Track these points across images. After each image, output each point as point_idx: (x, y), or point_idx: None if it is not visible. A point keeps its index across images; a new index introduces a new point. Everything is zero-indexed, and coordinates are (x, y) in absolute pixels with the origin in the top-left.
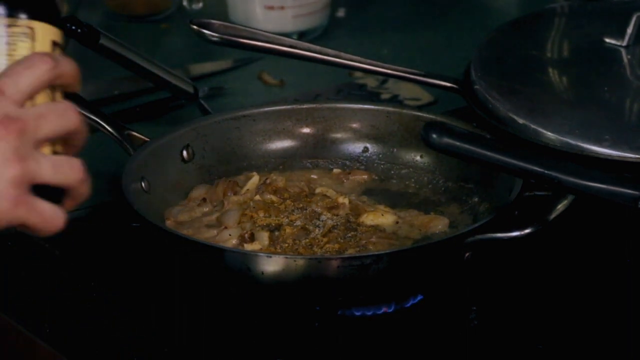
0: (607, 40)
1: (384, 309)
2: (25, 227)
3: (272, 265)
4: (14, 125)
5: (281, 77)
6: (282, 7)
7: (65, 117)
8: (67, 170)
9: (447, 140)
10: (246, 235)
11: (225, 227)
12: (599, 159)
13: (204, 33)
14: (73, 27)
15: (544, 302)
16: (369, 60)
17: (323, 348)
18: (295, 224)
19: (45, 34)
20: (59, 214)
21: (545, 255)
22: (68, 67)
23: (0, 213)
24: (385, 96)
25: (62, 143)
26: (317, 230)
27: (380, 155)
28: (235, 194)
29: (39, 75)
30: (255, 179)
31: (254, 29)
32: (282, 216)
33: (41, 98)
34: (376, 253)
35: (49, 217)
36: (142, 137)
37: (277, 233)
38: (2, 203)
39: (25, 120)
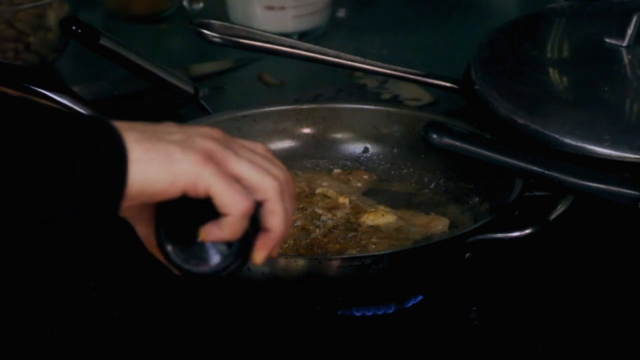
0: (608, 40)
1: (384, 309)
2: (212, 196)
3: (272, 265)
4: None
5: (281, 78)
6: (282, 8)
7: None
8: (269, 166)
9: (447, 140)
10: None
11: None
12: (599, 159)
13: (204, 33)
14: (73, 27)
15: (544, 302)
16: (369, 61)
17: (323, 348)
18: (295, 224)
19: None
20: (248, 196)
21: (545, 256)
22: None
23: (187, 163)
24: (385, 96)
25: None
26: (317, 230)
27: (381, 156)
28: None
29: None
30: None
31: (254, 29)
32: None
33: None
34: (376, 253)
35: (237, 191)
36: None
37: None
38: (192, 155)
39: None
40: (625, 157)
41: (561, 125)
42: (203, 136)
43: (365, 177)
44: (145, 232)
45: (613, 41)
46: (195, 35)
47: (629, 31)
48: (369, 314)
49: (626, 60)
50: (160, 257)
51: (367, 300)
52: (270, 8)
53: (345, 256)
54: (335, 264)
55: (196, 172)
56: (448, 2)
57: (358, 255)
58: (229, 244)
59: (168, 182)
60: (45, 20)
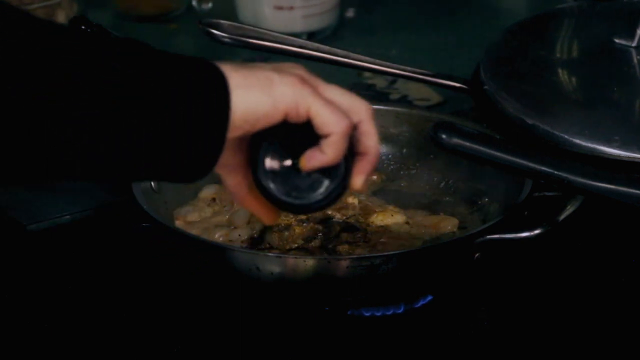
0: (617, 40)
1: (393, 310)
2: (312, 117)
3: (281, 265)
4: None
5: None
6: (291, 8)
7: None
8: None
9: (456, 140)
10: (256, 236)
11: (235, 227)
12: (608, 159)
13: (213, 33)
14: (82, 27)
15: (553, 303)
16: (377, 61)
17: (332, 348)
18: (304, 224)
19: None
20: (346, 115)
21: (554, 256)
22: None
23: (286, 85)
24: (394, 96)
25: None
26: (326, 230)
27: (390, 156)
28: None
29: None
30: None
31: (263, 29)
32: (291, 216)
33: None
34: (386, 253)
35: (337, 110)
36: None
37: (286, 233)
38: (289, 78)
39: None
40: (634, 158)
41: (570, 125)
42: (291, 67)
43: (374, 177)
44: (235, 180)
45: (622, 41)
46: (204, 35)
47: (638, 31)
48: (378, 314)
49: (635, 61)
50: (252, 205)
51: (376, 300)
52: (279, 8)
53: (355, 256)
54: (344, 264)
55: (296, 93)
56: (457, 3)
57: (367, 255)
58: (328, 172)
59: (271, 105)
60: (55, 19)
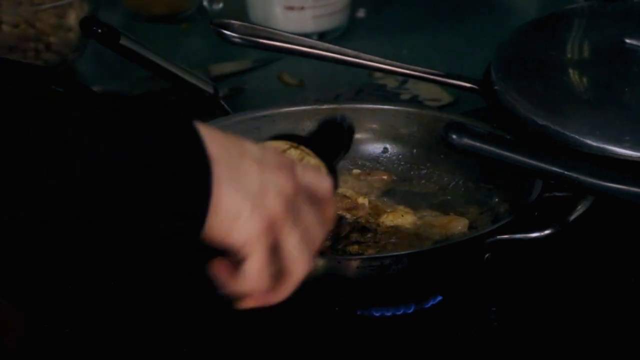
0: (628, 40)
1: (403, 310)
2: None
3: None
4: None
5: (301, 78)
6: (302, 8)
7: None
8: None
9: (467, 140)
10: None
11: None
12: (618, 159)
13: (224, 33)
14: (93, 27)
15: (563, 303)
16: (388, 61)
17: (342, 349)
18: None
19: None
20: (266, 281)
21: (565, 256)
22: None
23: (249, 229)
24: (405, 97)
25: None
26: (336, 230)
27: (400, 156)
28: None
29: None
30: None
31: (274, 29)
32: None
33: None
34: (396, 254)
35: (263, 275)
36: None
37: None
38: (257, 222)
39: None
40: None
41: (581, 125)
42: (278, 190)
43: (385, 177)
44: None
45: (633, 42)
46: (215, 35)
47: None
48: (388, 314)
49: None
50: None
51: (386, 300)
52: (290, 8)
53: (365, 256)
54: (354, 264)
55: (251, 239)
56: (468, 3)
57: (377, 255)
58: None
59: (223, 234)
60: (66, 20)
